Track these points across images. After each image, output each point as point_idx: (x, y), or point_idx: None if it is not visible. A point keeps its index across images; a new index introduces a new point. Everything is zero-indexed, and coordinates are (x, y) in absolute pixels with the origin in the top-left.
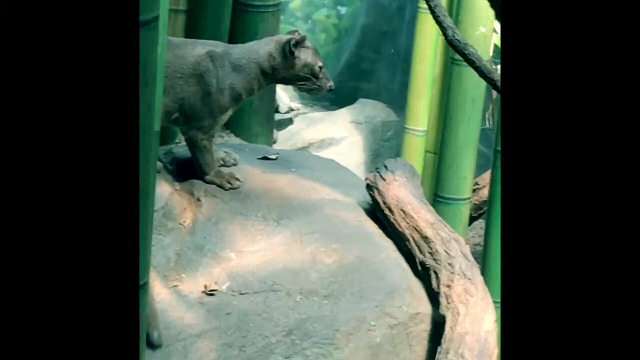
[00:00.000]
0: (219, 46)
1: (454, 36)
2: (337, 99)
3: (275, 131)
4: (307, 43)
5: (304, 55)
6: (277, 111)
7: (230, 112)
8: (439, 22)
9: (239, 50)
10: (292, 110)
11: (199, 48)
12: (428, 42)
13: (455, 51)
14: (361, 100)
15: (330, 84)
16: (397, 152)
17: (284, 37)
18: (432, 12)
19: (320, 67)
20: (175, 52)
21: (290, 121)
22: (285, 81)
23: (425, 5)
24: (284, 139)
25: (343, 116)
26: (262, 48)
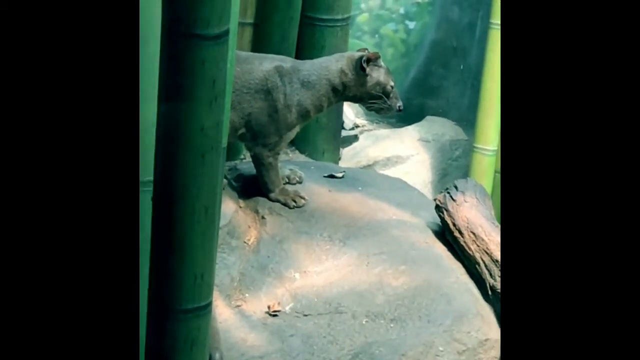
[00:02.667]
0: (287, 61)
1: None
2: (404, 116)
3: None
4: (380, 62)
5: (376, 74)
6: (342, 127)
7: (297, 129)
8: None
9: (308, 66)
10: (357, 126)
11: (267, 63)
12: (499, 58)
13: None
14: (429, 117)
15: (400, 104)
16: (466, 172)
17: (356, 54)
18: None
19: (392, 87)
20: (243, 67)
21: (355, 138)
22: (355, 99)
23: (496, 21)
24: (349, 156)
25: (410, 134)
26: (334, 64)
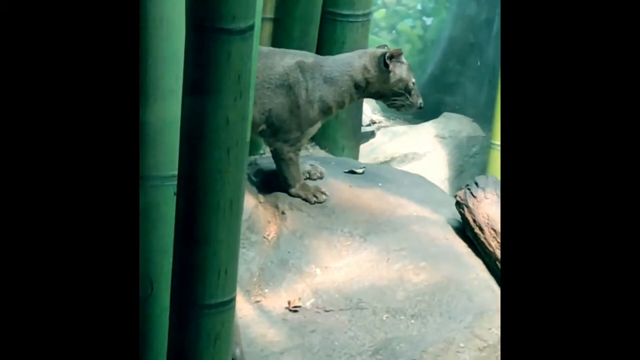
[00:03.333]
0: (309, 57)
1: None
2: (421, 112)
3: None
4: (403, 58)
5: (399, 70)
6: None
7: (318, 125)
8: None
9: (330, 62)
10: (374, 122)
11: (289, 58)
12: None
13: None
14: (446, 114)
15: (421, 101)
16: (483, 169)
17: (378, 50)
18: None
19: (413, 83)
20: (264, 62)
21: (372, 134)
22: (378, 96)
23: None
24: (366, 153)
25: (427, 130)
26: (356, 61)
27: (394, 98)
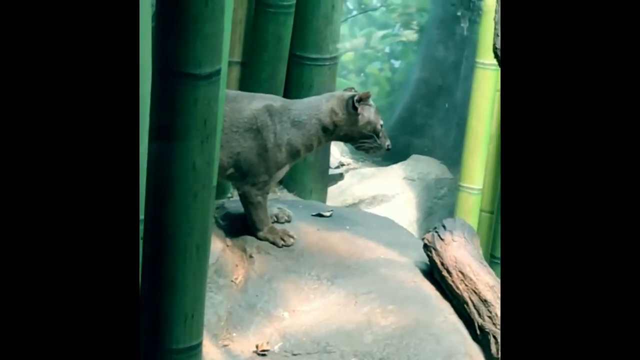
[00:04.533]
0: (277, 100)
1: None
2: (390, 154)
3: None
4: (371, 101)
5: (367, 113)
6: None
7: (286, 169)
8: None
9: (298, 106)
10: (342, 165)
11: (257, 102)
12: (485, 97)
13: None
14: (414, 156)
15: (389, 143)
16: (451, 211)
17: (346, 93)
18: None
19: (381, 126)
20: (232, 106)
21: (341, 176)
22: (346, 138)
23: (482, 60)
24: (335, 195)
25: (395, 172)
26: (324, 104)
27: (362, 140)
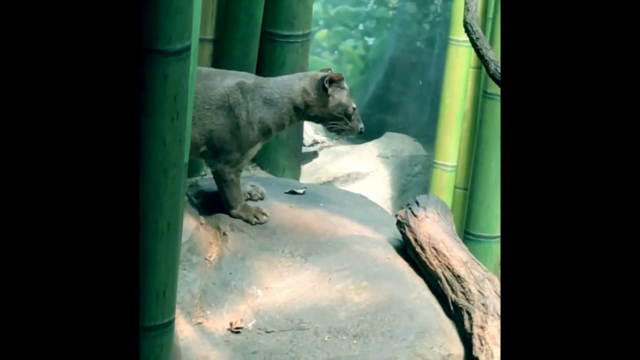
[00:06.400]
0: (249, 78)
1: (496, 70)
2: (364, 132)
3: None
4: (344, 83)
5: (339, 95)
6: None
7: (259, 147)
8: (481, 56)
9: (271, 84)
10: (316, 143)
11: (229, 79)
12: (458, 74)
13: (498, 85)
14: (388, 133)
15: (361, 126)
16: (426, 188)
17: (319, 74)
18: (474, 45)
19: (354, 109)
20: (204, 83)
21: (315, 154)
22: (317, 119)
23: (456, 37)
24: (309, 173)
25: (369, 150)
26: (297, 83)
27: (332, 122)
